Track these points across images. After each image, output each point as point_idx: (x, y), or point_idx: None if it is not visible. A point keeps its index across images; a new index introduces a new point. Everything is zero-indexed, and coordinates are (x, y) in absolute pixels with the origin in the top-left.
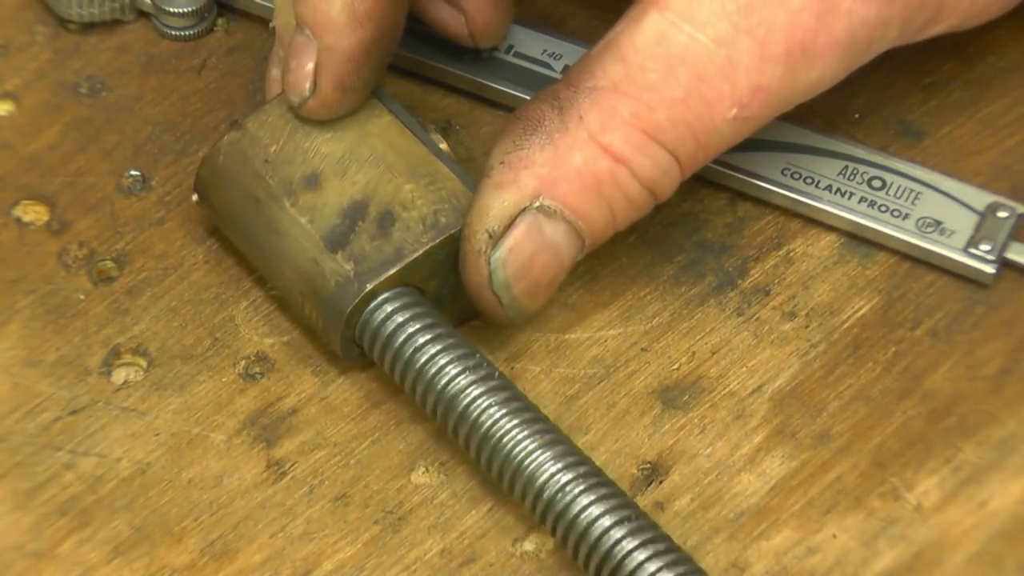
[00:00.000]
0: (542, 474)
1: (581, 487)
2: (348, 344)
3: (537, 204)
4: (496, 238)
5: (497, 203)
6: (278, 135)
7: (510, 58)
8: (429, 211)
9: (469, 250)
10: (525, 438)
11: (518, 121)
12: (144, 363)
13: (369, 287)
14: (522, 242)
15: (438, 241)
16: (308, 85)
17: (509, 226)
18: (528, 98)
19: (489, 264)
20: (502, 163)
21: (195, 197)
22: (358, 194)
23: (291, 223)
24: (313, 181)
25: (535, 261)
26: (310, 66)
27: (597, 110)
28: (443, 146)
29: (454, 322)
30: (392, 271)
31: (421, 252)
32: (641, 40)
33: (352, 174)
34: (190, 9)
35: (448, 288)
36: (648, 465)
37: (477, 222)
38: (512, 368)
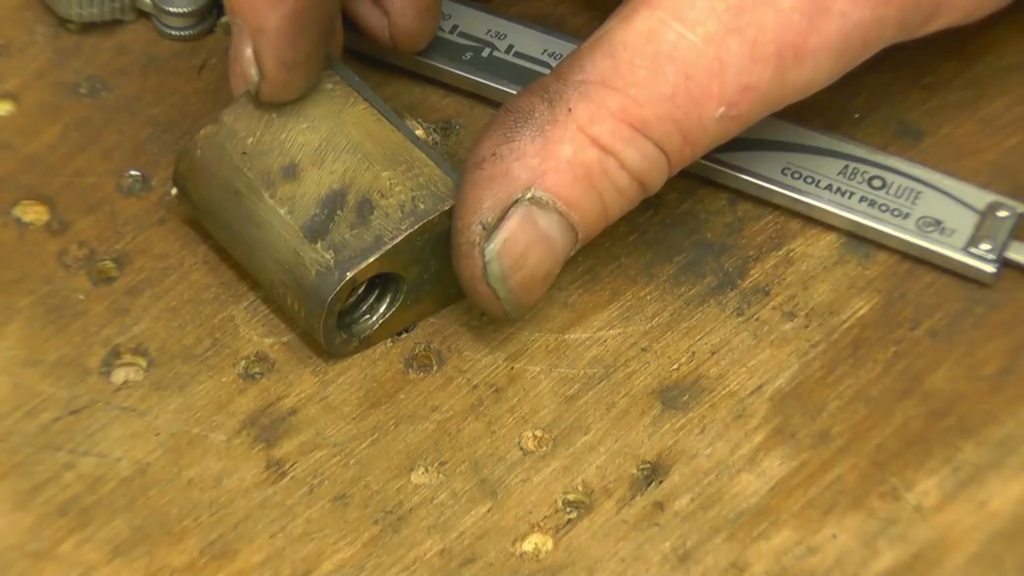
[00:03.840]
0: None
1: None
2: (331, 333)
3: (529, 195)
4: (490, 230)
5: (490, 195)
6: (254, 127)
7: (510, 58)
8: (407, 198)
9: (463, 243)
10: None
11: (508, 113)
12: (144, 363)
13: (350, 275)
14: (516, 233)
15: (417, 227)
16: (253, 71)
17: (502, 218)
18: None
19: (483, 256)
20: (494, 155)
21: (174, 191)
22: (336, 183)
23: (270, 214)
24: (291, 172)
25: (530, 253)
26: (249, 52)
27: (586, 103)
28: (419, 132)
29: (436, 307)
30: (372, 258)
31: (401, 239)
32: (631, 36)
33: (329, 163)
34: (190, 9)
35: (429, 274)
36: (648, 465)
37: (470, 215)
38: (512, 368)
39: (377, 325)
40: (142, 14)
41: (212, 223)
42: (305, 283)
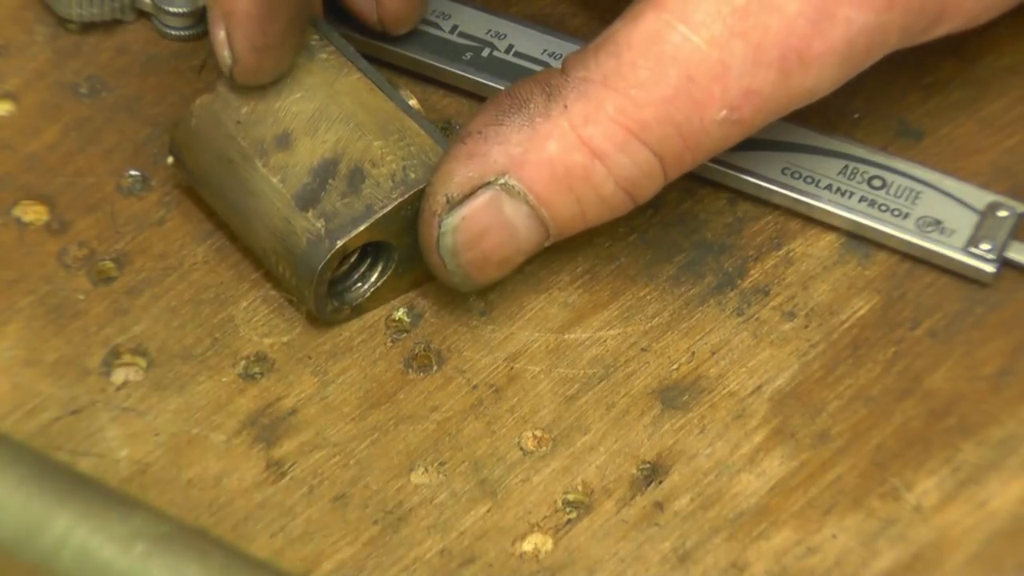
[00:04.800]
0: None
1: None
2: (322, 301)
3: (502, 181)
4: (453, 204)
5: (462, 170)
6: (249, 96)
7: (510, 58)
8: (399, 167)
9: (425, 209)
10: None
11: (507, 96)
12: (144, 363)
13: (340, 244)
14: (477, 214)
15: (407, 196)
16: (227, 53)
17: (469, 196)
18: None
19: (440, 227)
20: (480, 133)
21: (170, 160)
22: (328, 152)
23: (263, 183)
24: (284, 141)
25: (488, 236)
26: (222, 35)
27: (583, 102)
28: (413, 102)
29: (427, 276)
30: (362, 227)
31: (391, 207)
32: (636, 38)
33: (322, 133)
34: (190, 9)
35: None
36: (648, 465)
37: (439, 184)
38: (512, 368)
39: (369, 293)
40: (142, 14)
41: (207, 192)
42: (296, 251)
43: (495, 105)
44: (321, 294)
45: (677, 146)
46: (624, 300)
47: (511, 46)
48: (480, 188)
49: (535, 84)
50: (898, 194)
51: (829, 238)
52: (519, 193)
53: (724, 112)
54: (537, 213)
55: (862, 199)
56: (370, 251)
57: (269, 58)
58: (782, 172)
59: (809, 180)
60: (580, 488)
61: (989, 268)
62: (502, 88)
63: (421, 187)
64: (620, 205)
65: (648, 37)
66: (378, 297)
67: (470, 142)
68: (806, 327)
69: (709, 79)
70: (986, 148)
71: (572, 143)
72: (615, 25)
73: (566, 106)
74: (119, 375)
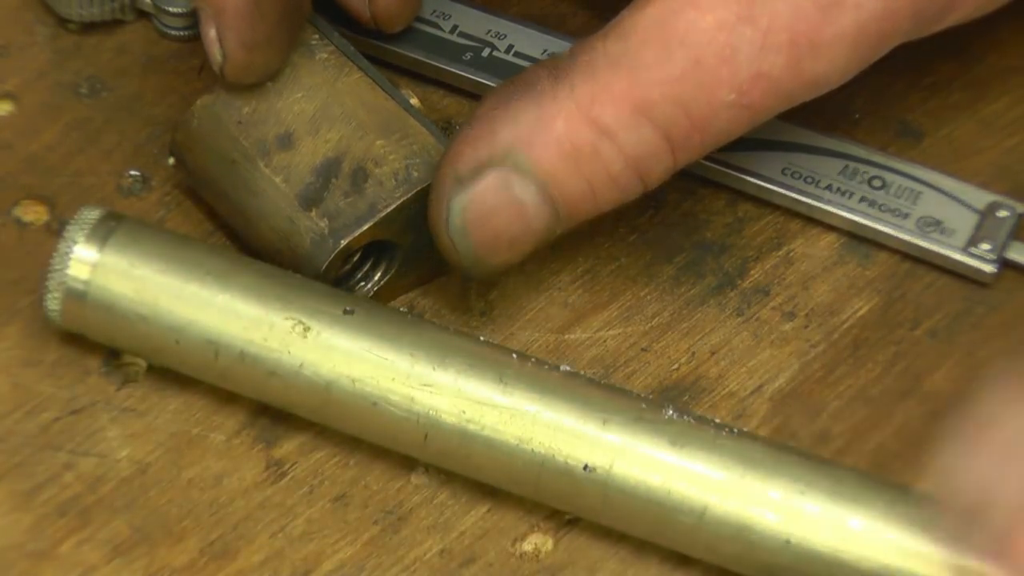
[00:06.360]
0: None
1: None
2: None
3: (511, 161)
4: (462, 184)
5: (470, 151)
6: (250, 96)
7: (510, 58)
8: (401, 166)
9: (435, 190)
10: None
11: (513, 81)
12: (144, 363)
13: (344, 243)
14: (486, 193)
15: (411, 195)
16: (217, 51)
17: (478, 175)
18: None
19: (449, 207)
20: (488, 115)
21: (171, 161)
22: (331, 152)
23: (266, 183)
24: (286, 141)
25: (497, 215)
26: (213, 33)
27: (590, 83)
28: (414, 101)
29: (431, 275)
30: (366, 226)
31: (394, 206)
32: (644, 21)
33: (324, 132)
34: (190, 9)
35: (424, 242)
36: None
37: (447, 164)
38: None
39: (372, 292)
40: (142, 14)
41: (209, 192)
42: (300, 251)
43: (503, 89)
44: None
45: (684, 127)
46: (624, 300)
47: (511, 46)
48: (489, 168)
49: (542, 68)
50: (898, 194)
51: (829, 238)
52: (527, 171)
53: (733, 95)
54: (546, 192)
55: (862, 199)
56: (373, 250)
57: (260, 55)
58: (782, 172)
59: (809, 180)
60: None
61: (989, 268)
62: None
63: (424, 186)
64: (629, 185)
65: (655, 21)
66: (381, 296)
67: (477, 124)
68: (806, 327)
69: (717, 62)
70: (986, 148)
71: (579, 122)
72: (623, 13)
73: (573, 86)
74: (119, 375)
